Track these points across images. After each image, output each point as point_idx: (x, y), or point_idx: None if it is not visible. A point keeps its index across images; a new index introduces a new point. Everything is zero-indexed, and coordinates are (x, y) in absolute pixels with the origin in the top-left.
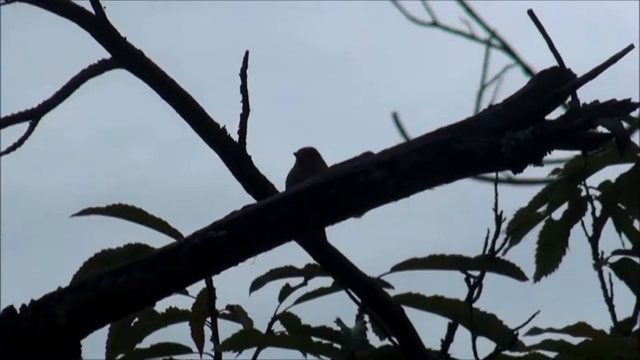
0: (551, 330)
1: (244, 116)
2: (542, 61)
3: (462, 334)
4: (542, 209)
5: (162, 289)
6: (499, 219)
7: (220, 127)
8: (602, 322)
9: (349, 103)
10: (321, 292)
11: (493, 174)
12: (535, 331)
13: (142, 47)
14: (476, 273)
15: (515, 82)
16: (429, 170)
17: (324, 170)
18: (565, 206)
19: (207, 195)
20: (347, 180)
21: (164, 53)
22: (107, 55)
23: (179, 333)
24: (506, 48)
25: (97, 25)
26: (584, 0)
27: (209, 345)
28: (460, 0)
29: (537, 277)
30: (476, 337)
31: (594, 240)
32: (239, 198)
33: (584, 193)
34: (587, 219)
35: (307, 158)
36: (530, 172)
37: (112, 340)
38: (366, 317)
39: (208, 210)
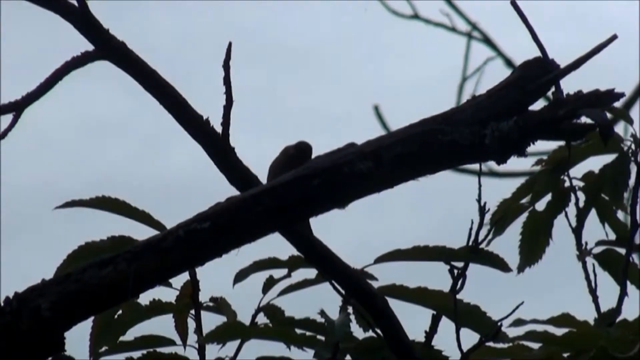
0: (535, 321)
1: (227, 108)
2: (523, 54)
3: (446, 325)
4: (525, 200)
5: (146, 281)
6: (482, 210)
7: (204, 118)
8: (586, 313)
9: (332, 95)
10: (305, 283)
11: (476, 166)
12: (519, 322)
13: (124, 39)
14: (460, 264)
15: (497, 74)
16: (413, 161)
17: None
18: (548, 197)
19: (190, 187)
20: (331, 171)
21: (146, 45)
22: (90, 47)
23: (163, 325)
24: (487, 41)
25: (80, 17)
26: None
27: (192, 338)
28: None
29: (520, 268)
30: (460, 329)
31: (577, 231)
32: (223, 189)
33: (567, 184)
34: (571, 209)
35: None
36: (514, 163)
37: (95, 333)
38: (350, 309)
39: (192, 202)
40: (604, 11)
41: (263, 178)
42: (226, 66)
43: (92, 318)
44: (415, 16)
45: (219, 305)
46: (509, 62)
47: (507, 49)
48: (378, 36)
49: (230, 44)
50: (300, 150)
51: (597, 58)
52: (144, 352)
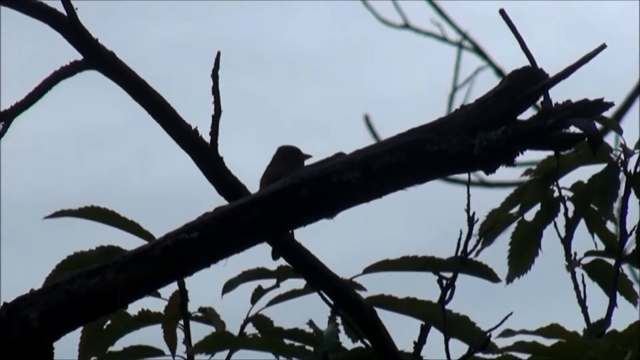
0: (524, 332)
1: (216, 117)
2: (514, 63)
3: (435, 335)
4: (514, 210)
5: (135, 291)
6: (471, 221)
7: (192, 128)
8: (575, 324)
9: (321, 104)
10: (293, 294)
11: (465, 175)
12: (508, 333)
13: (114, 49)
14: (449, 275)
15: (487, 83)
16: (402, 171)
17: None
18: (537, 207)
19: (179, 197)
20: (319, 181)
21: (135, 54)
22: (79, 57)
23: (152, 335)
24: (478, 50)
25: (69, 27)
26: (556, 1)
27: (181, 348)
28: (432, 2)
29: (509, 279)
30: (449, 339)
31: (566, 242)
32: (212, 199)
33: (556, 194)
34: (560, 220)
35: (289, 156)
36: (503, 173)
37: (84, 343)
38: (338, 319)
39: (180, 212)
40: (595, 19)
41: (252, 187)
42: (215, 76)
43: (81, 328)
44: (406, 26)
45: (208, 315)
46: (499, 72)
47: (498, 59)
48: (369, 45)
49: (219, 54)
50: (293, 149)
51: (586, 67)
52: None
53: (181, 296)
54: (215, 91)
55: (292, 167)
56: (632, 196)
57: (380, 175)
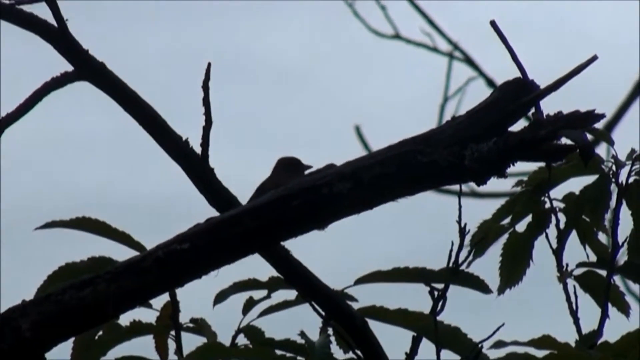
0: (516, 343)
1: (207, 129)
2: (505, 73)
3: (427, 347)
4: (505, 221)
5: (126, 301)
6: (462, 232)
7: (183, 139)
8: (567, 335)
9: (312, 115)
10: (285, 305)
11: (456, 187)
12: (499, 344)
13: (104, 59)
14: (440, 286)
15: (478, 94)
16: (392, 182)
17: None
18: (529, 218)
19: (170, 208)
20: (310, 192)
21: (125, 65)
22: (69, 68)
23: (143, 346)
24: (468, 60)
25: (59, 38)
26: (546, 11)
27: (172, 359)
28: (423, 12)
29: (501, 290)
30: (440, 350)
31: (558, 253)
32: (203, 210)
33: (547, 205)
34: (551, 231)
35: (289, 167)
36: (495, 184)
37: (76, 353)
38: (330, 330)
39: (171, 222)
40: (585, 30)
41: (243, 198)
42: (205, 87)
43: (72, 339)
44: (397, 36)
45: (199, 326)
46: (490, 82)
47: (489, 69)
48: (360, 56)
49: (209, 65)
50: (294, 160)
51: (577, 78)
52: None
53: (172, 307)
54: (206, 102)
55: (292, 177)
56: (624, 207)
57: (371, 186)
